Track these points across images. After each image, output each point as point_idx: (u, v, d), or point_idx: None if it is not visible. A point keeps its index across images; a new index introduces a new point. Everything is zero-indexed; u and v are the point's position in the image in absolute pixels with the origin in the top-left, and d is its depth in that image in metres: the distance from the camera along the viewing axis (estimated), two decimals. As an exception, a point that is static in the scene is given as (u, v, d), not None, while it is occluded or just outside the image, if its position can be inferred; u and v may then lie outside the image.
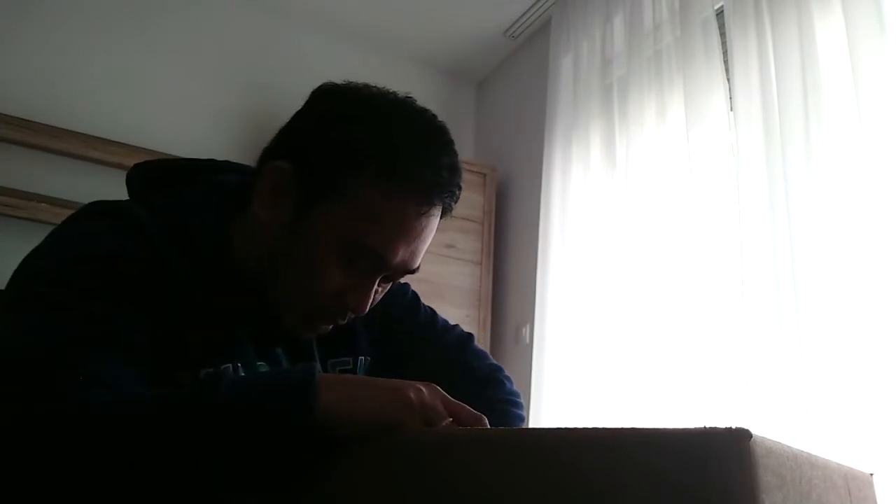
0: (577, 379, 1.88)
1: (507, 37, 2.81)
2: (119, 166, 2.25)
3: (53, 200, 2.11)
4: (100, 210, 0.66)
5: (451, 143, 0.71)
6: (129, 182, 0.79)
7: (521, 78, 2.82)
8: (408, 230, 0.67)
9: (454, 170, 0.69)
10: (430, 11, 2.70)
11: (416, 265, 0.70)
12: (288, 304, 0.68)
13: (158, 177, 0.79)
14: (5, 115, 2.11)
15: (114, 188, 2.50)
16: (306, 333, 0.72)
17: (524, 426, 0.95)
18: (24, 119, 2.14)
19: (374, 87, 0.72)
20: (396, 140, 0.67)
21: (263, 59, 2.68)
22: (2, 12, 2.24)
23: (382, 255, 0.66)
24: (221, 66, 2.59)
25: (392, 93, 0.72)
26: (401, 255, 0.67)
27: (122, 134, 2.31)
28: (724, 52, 1.70)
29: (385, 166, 0.65)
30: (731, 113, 1.62)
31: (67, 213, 2.30)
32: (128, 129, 2.33)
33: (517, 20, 2.70)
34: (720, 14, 1.75)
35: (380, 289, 0.70)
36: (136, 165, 0.81)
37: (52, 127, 2.17)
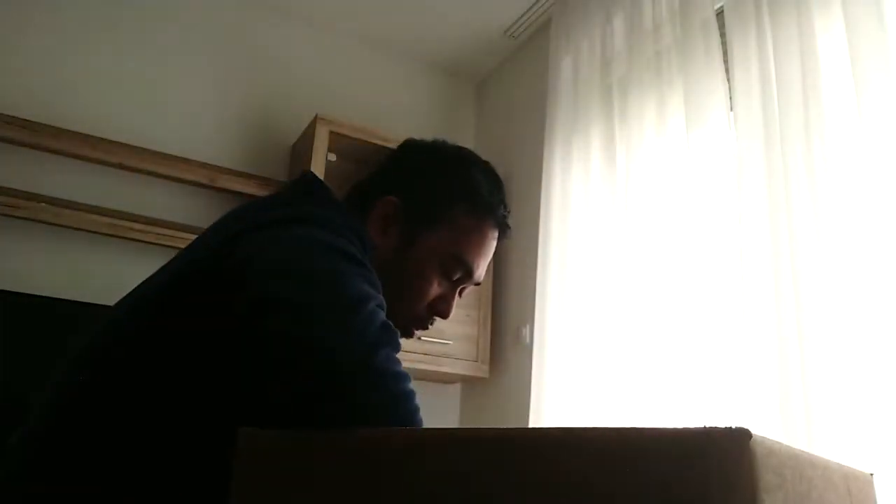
0: (578, 379, 1.88)
1: (507, 37, 2.81)
2: (119, 166, 2.25)
3: (53, 200, 2.11)
4: (343, 251, 0.72)
5: (503, 185, 0.96)
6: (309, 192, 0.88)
7: (521, 78, 2.82)
8: (486, 248, 0.90)
9: (508, 206, 0.95)
10: (430, 11, 2.70)
11: (482, 278, 0.92)
12: (392, 314, 0.75)
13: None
14: (5, 115, 2.11)
15: (114, 188, 2.52)
16: (405, 337, 0.85)
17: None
18: (24, 119, 2.14)
19: (446, 141, 0.97)
20: (477, 183, 0.91)
21: (263, 59, 2.68)
22: (2, 13, 2.24)
23: (470, 266, 0.88)
24: (222, 66, 2.59)
25: (460, 147, 0.98)
26: (479, 267, 0.90)
27: (122, 134, 2.31)
28: (724, 52, 1.70)
29: (474, 202, 0.89)
30: (731, 113, 1.62)
31: (67, 213, 2.28)
32: (128, 129, 2.33)
33: (517, 20, 2.70)
34: (720, 14, 1.75)
35: (457, 299, 0.91)
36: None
37: (52, 127, 2.17)
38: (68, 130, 2.19)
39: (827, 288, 1.32)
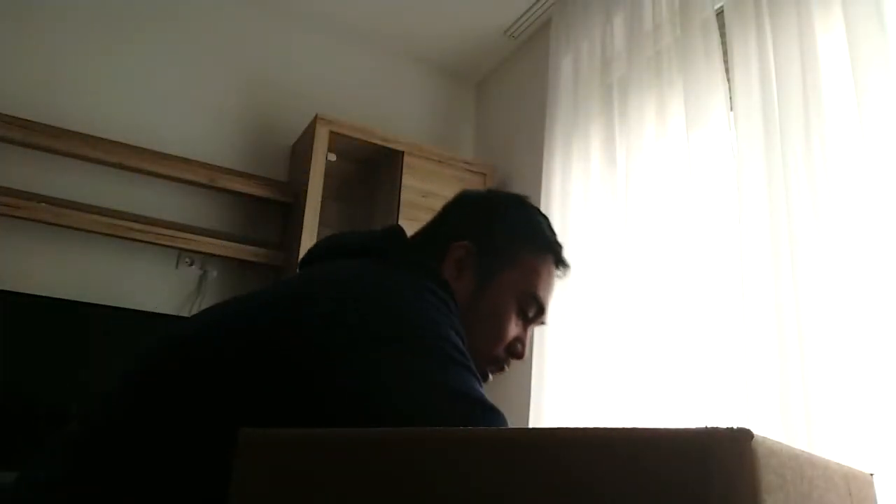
0: (578, 379, 1.88)
1: (507, 37, 2.81)
2: (119, 166, 2.25)
3: (53, 200, 2.11)
4: (431, 290, 0.76)
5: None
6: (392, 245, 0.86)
7: (521, 78, 2.82)
8: (552, 284, 0.94)
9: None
10: (430, 11, 2.70)
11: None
12: (473, 358, 0.78)
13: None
14: (5, 115, 2.11)
15: (114, 188, 2.52)
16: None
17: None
18: (24, 119, 2.14)
19: (501, 190, 1.01)
20: (539, 224, 0.96)
21: (263, 59, 2.68)
22: (2, 13, 2.24)
23: (542, 302, 0.91)
24: (221, 66, 2.59)
25: (515, 193, 1.01)
26: (549, 303, 0.93)
27: (122, 134, 2.31)
28: (724, 52, 1.70)
29: (540, 243, 0.94)
30: (731, 113, 1.62)
31: (67, 213, 2.28)
32: (128, 129, 2.33)
33: (517, 20, 2.70)
34: (720, 14, 1.75)
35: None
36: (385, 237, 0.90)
37: (52, 127, 2.17)
38: (68, 130, 2.19)
39: (827, 288, 1.32)
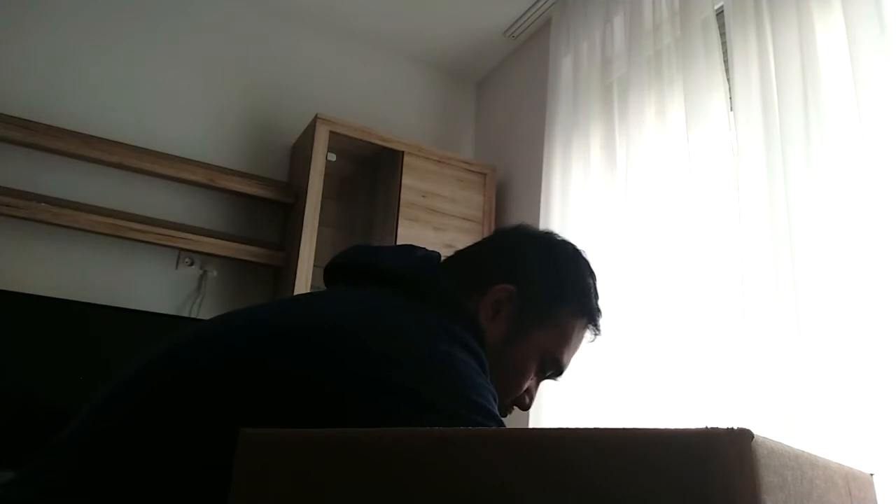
0: (578, 379, 1.88)
1: (507, 37, 2.81)
2: (119, 166, 2.25)
3: (53, 200, 2.11)
4: (462, 341, 0.73)
5: None
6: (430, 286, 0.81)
7: (521, 78, 2.82)
8: (577, 348, 0.92)
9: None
10: (430, 11, 2.70)
11: None
12: None
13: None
14: (5, 115, 2.12)
15: (114, 188, 2.51)
16: None
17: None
18: (24, 119, 2.14)
19: (555, 234, 0.96)
20: (588, 287, 0.92)
21: (263, 59, 2.68)
22: (2, 13, 2.24)
23: (563, 366, 0.89)
24: (222, 66, 2.59)
25: (570, 243, 0.95)
26: (568, 364, 0.91)
27: (122, 134, 2.31)
28: (724, 52, 1.70)
29: (582, 305, 0.90)
30: (731, 113, 1.62)
31: (67, 213, 2.29)
32: (128, 129, 2.33)
33: (517, 20, 2.70)
34: (720, 14, 1.75)
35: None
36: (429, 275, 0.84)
37: (52, 127, 2.17)
38: (68, 130, 2.19)
39: (827, 287, 1.32)
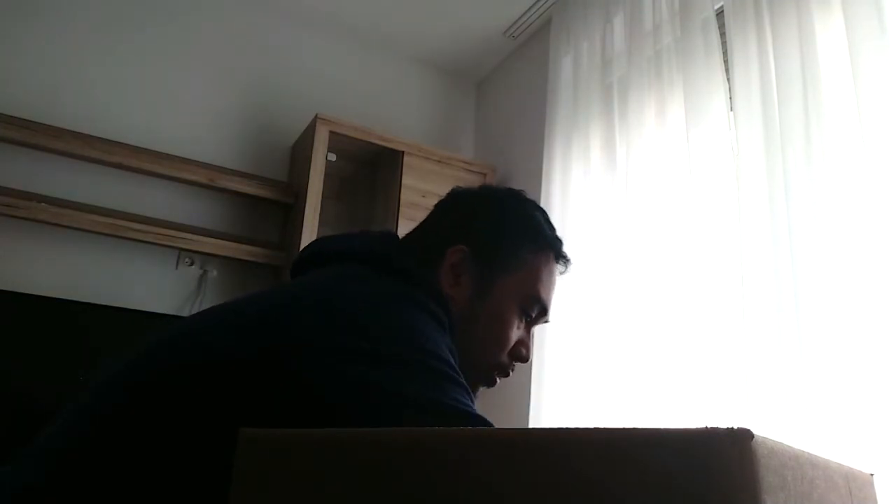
0: (577, 379, 1.88)
1: (507, 37, 2.81)
2: (119, 166, 2.25)
3: (53, 200, 2.11)
4: (422, 305, 0.74)
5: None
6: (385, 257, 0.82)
7: (521, 78, 2.82)
8: (554, 283, 0.92)
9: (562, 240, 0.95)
10: (430, 11, 2.70)
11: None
12: (475, 365, 0.80)
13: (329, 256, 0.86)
14: (5, 115, 2.12)
15: (114, 188, 2.51)
16: (486, 387, 0.88)
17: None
18: (24, 119, 2.14)
19: (492, 186, 0.97)
20: (537, 221, 0.92)
21: (263, 59, 2.68)
22: (2, 13, 2.24)
23: (546, 303, 0.89)
24: (221, 66, 2.59)
25: (509, 188, 0.96)
26: (551, 301, 0.91)
27: (122, 134, 2.31)
28: (724, 52, 1.70)
29: (539, 240, 0.90)
30: (731, 113, 1.62)
31: (67, 213, 2.28)
32: (128, 129, 2.33)
33: (517, 20, 2.70)
34: (720, 14, 1.75)
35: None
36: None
37: (52, 127, 2.17)
38: (68, 130, 2.19)
39: (827, 287, 1.32)
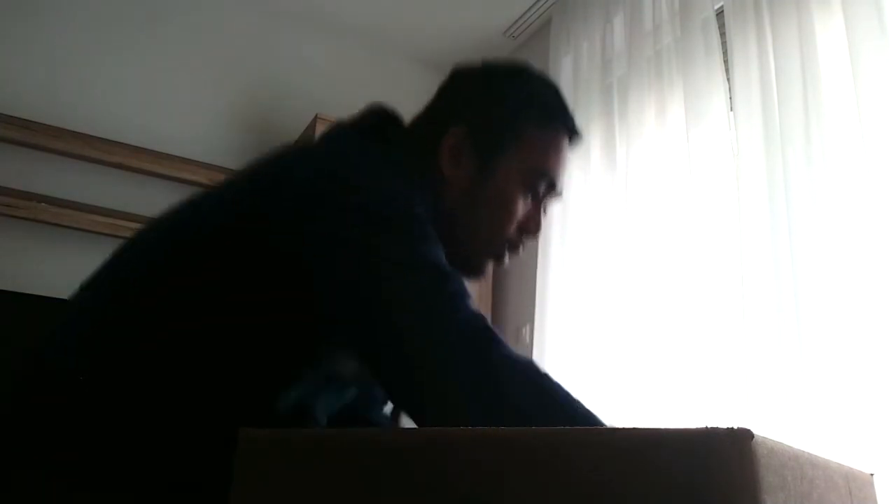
0: (578, 379, 1.88)
1: (507, 37, 2.81)
2: (119, 166, 2.25)
3: (53, 200, 2.11)
4: (389, 159, 0.76)
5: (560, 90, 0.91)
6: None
7: (521, 78, 2.82)
8: (562, 157, 0.86)
9: (572, 110, 0.89)
10: (430, 11, 2.70)
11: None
12: (481, 243, 0.82)
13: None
14: (5, 115, 2.11)
15: (114, 188, 2.51)
16: (492, 266, 0.86)
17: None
18: (24, 119, 2.14)
19: (498, 60, 0.91)
20: (540, 93, 0.87)
21: (263, 59, 2.68)
22: (2, 13, 2.24)
23: (553, 177, 0.84)
24: (221, 66, 2.59)
25: (511, 60, 0.92)
26: (560, 177, 0.86)
27: (122, 134, 2.31)
28: (724, 52, 1.70)
29: (540, 113, 0.85)
30: (731, 113, 1.62)
31: (67, 213, 2.27)
32: (128, 129, 2.33)
33: (517, 20, 2.70)
34: (720, 14, 1.75)
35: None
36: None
37: (52, 127, 2.17)
38: (68, 130, 2.19)
39: (827, 287, 1.32)
